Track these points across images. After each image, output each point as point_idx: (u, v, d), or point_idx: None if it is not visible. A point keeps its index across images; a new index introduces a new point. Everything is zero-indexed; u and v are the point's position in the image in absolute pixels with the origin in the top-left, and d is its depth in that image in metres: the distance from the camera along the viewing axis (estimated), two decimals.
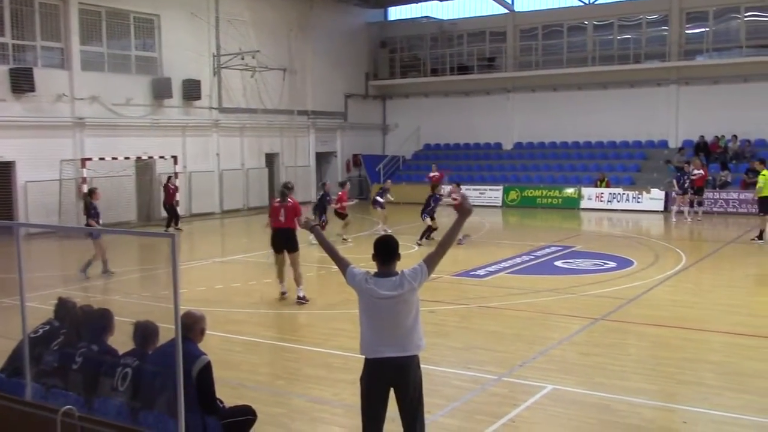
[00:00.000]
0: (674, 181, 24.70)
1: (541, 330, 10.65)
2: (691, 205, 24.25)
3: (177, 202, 23.70)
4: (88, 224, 15.39)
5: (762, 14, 29.62)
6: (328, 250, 5.86)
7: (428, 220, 19.30)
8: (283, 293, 12.67)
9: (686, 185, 23.95)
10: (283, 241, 12.41)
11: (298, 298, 12.28)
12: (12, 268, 6.34)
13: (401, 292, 5.29)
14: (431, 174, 28.10)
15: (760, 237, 18.88)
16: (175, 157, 25.79)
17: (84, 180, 22.81)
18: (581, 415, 7.27)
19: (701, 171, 24.30)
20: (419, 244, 18.43)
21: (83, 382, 5.79)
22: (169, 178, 23.79)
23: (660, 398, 7.74)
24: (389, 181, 25.91)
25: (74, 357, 5.91)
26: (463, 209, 5.62)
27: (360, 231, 22.63)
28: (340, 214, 20.21)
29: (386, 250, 5.42)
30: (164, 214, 23.81)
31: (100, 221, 15.57)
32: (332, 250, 5.83)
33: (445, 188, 23.06)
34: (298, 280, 12.36)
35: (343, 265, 5.61)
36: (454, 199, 18.71)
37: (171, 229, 22.59)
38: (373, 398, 5.38)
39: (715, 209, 26.10)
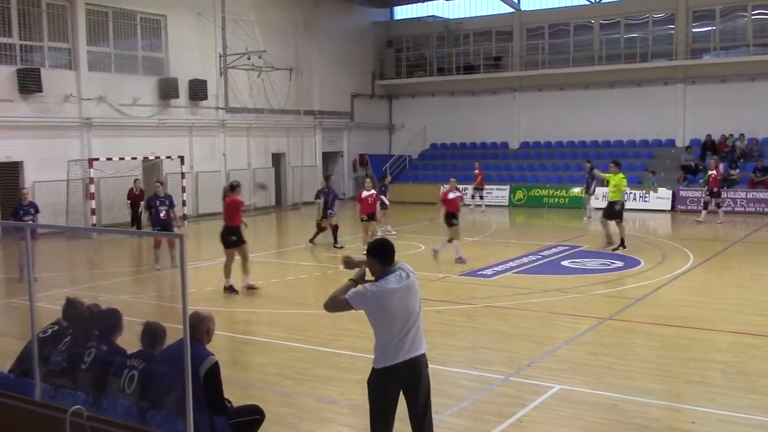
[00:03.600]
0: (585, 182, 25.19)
1: (548, 330, 10.64)
2: (705, 207, 23.95)
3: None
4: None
5: None
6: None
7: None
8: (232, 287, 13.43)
9: (592, 186, 24.57)
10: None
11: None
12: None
13: (409, 281, 5.39)
14: (475, 172, 27.99)
15: (623, 244, 17.41)
16: (181, 158, 25.85)
17: (91, 180, 22.88)
18: (589, 414, 7.26)
19: (714, 171, 23.87)
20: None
21: (92, 381, 5.81)
22: (135, 180, 23.38)
23: (667, 398, 7.72)
24: (389, 176, 25.67)
25: (83, 357, 5.93)
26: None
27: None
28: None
29: (387, 252, 5.46)
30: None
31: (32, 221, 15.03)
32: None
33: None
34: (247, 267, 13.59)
35: (343, 303, 5.38)
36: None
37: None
38: (386, 403, 5.38)
39: (723, 208, 25.97)
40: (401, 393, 5.41)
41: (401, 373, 5.32)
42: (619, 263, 15.92)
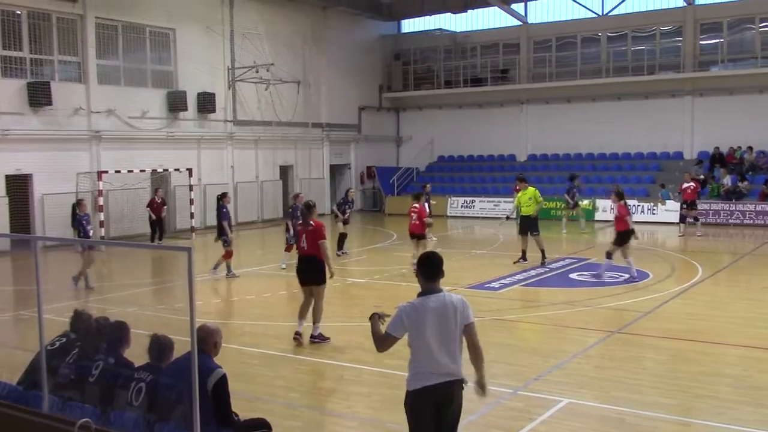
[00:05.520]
0: (565, 194, 25.08)
1: (556, 343, 10.61)
2: (682, 220, 23.77)
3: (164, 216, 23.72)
4: (82, 236, 15.64)
5: None
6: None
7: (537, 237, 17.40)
8: (298, 333, 10.64)
9: (575, 198, 24.72)
10: (306, 272, 10.69)
11: (313, 336, 10.64)
12: (29, 280, 6.39)
13: (448, 305, 5.28)
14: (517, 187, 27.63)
15: (523, 258, 17.55)
16: (190, 170, 25.97)
17: (100, 192, 22.99)
18: (597, 429, 7.23)
19: (692, 183, 23.55)
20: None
21: (100, 394, 5.82)
22: (157, 190, 23.76)
23: (677, 412, 7.68)
24: (429, 185, 25.28)
25: (91, 369, 5.94)
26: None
27: (375, 243, 22.65)
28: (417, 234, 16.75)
29: (430, 266, 5.38)
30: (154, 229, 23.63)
31: (90, 233, 15.87)
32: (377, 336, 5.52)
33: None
34: (317, 316, 10.67)
35: (386, 336, 5.35)
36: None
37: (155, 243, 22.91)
38: (424, 423, 5.30)
39: (731, 221, 25.94)
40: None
41: (435, 394, 5.24)
42: (628, 276, 15.85)
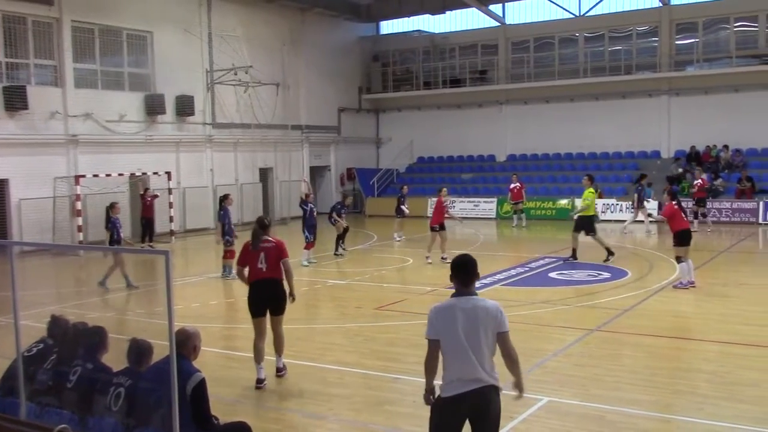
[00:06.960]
0: (635, 195, 24.67)
1: (536, 342, 10.65)
2: (695, 216, 24.27)
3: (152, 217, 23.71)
4: (115, 239, 15.92)
5: (751, 24, 29.87)
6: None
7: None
8: (261, 381, 8.76)
9: (643, 198, 24.35)
10: (267, 299, 8.94)
11: (279, 369, 9.15)
12: (5, 286, 6.33)
13: (478, 308, 5.14)
14: (512, 185, 27.38)
15: (574, 256, 17.72)
16: (168, 173, 25.81)
17: (78, 197, 22.80)
18: (577, 427, 7.27)
19: (699, 180, 24.31)
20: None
21: (78, 400, 5.78)
22: (146, 189, 23.74)
23: (655, 409, 7.75)
24: (406, 186, 25.50)
25: (68, 375, 5.90)
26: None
27: (356, 244, 22.62)
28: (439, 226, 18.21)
29: (465, 270, 5.23)
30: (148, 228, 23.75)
31: (122, 235, 16.20)
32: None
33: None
34: (280, 347, 9.13)
35: (428, 346, 5.25)
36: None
37: (145, 245, 22.62)
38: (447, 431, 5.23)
39: (707, 218, 26.17)
40: (467, 421, 5.21)
41: (466, 404, 5.12)
42: (607, 274, 15.99)
